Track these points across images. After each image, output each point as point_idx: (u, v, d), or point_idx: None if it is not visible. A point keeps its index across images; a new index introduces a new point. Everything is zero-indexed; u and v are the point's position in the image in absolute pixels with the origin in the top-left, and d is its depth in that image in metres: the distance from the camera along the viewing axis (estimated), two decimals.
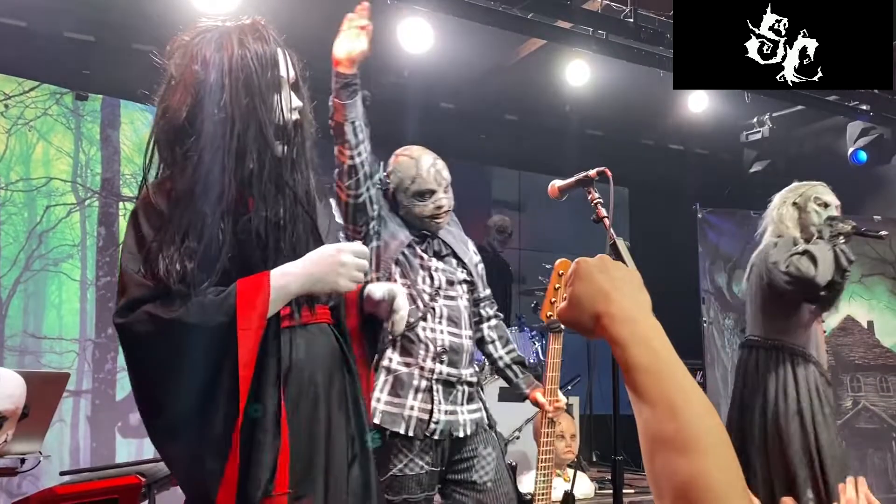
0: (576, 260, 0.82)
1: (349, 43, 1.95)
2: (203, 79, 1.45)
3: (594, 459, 5.48)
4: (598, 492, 4.19)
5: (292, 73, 1.56)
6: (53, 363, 4.02)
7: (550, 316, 2.53)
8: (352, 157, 2.12)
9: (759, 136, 6.11)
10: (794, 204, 3.02)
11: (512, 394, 3.56)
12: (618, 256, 1.88)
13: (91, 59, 4.47)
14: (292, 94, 1.55)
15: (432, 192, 2.36)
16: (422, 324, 2.27)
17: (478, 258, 2.58)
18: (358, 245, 1.54)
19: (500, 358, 2.56)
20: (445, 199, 2.39)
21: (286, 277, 1.45)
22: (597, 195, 2.07)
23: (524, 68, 5.22)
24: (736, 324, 5.62)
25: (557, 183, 2.20)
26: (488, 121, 6.15)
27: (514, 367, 2.56)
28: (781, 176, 6.32)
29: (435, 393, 2.27)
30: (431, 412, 2.26)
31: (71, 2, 4.30)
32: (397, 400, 2.23)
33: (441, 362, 2.31)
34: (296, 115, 1.55)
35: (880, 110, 5.53)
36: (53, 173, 4.17)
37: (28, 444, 2.46)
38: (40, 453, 2.53)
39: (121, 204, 4.43)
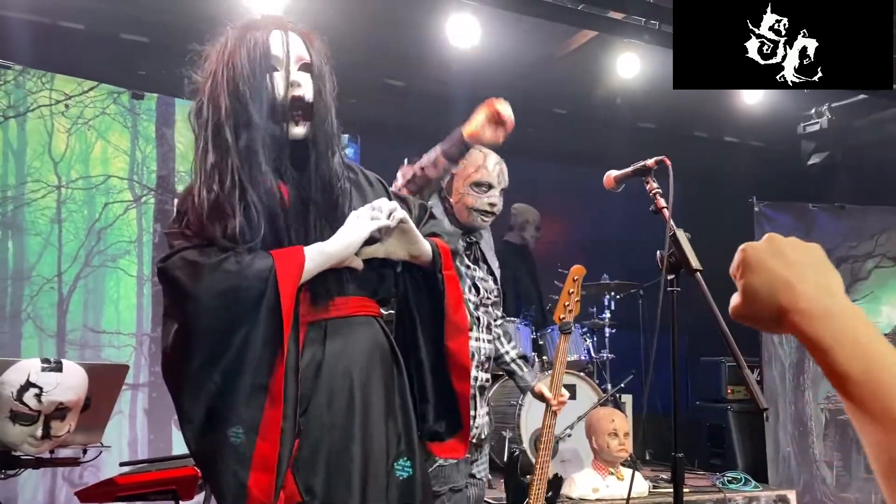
0: (741, 247, 0.67)
1: (492, 133, 2.15)
2: (204, 82, 1.53)
3: (647, 458, 5.39)
4: (652, 490, 4.12)
5: (298, 53, 1.52)
6: (112, 357, 4.11)
7: (563, 318, 2.70)
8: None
9: (816, 127, 5.88)
10: None
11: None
12: (678, 248, 1.82)
13: (146, 59, 4.57)
14: (297, 72, 1.52)
15: (490, 187, 2.42)
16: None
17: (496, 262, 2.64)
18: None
19: (507, 353, 2.64)
20: (498, 199, 2.45)
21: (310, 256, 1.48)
22: (655, 185, 1.98)
23: (573, 61, 5.14)
24: None
25: (613, 173, 2.13)
26: (537, 115, 6.06)
27: (519, 360, 2.65)
28: (841, 168, 6.11)
29: (473, 399, 2.27)
30: (474, 418, 2.27)
31: (127, 5, 4.41)
32: None
33: (483, 370, 2.36)
34: (300, 92, 1.51)
35: None
36: (111, 171, 4.26)
37: (90, 434, 2.52)
38: (101, 444, 2.59)
39: (176, 201, 4.50)
